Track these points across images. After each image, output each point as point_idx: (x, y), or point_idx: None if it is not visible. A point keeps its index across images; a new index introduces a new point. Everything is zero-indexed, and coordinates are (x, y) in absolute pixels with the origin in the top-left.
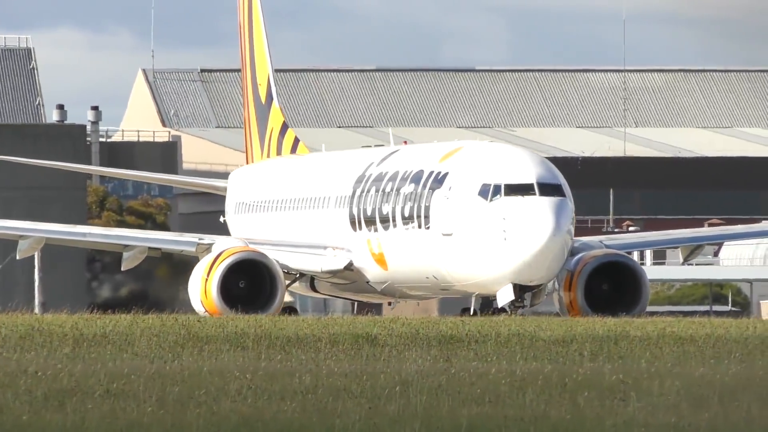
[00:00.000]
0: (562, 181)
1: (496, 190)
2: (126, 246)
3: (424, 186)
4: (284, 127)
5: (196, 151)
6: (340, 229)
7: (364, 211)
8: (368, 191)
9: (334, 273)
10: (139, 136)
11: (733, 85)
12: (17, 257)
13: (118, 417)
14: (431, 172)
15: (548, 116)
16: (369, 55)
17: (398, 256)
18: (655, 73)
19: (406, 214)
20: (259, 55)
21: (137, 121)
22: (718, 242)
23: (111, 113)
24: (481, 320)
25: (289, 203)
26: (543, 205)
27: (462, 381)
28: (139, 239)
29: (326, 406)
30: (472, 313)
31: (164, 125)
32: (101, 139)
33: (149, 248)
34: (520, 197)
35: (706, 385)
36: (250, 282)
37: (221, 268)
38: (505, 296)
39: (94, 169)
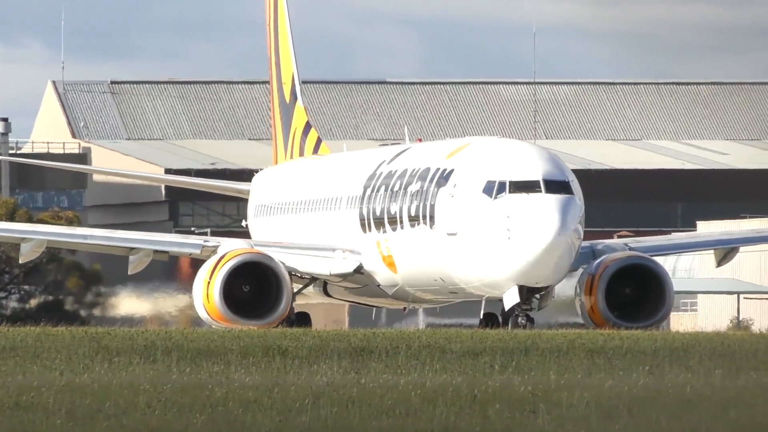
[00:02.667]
0: (571, 178)
1: (501, 187)
2: (132, 249)
3: (430, 184)
4: (307, 127)
5: (106, 162)
6: (351, 231)
7: (373, 211)
8: (378, 191)
9: (343, 276)
10: (49, 148)
11: (642, 98)
12: (20, 261)
13: (27, 430)
14: (437, 170)
15: (459, 129)
16: None
17: (407, 258)
18: (565, 86)
19: (413, 214)
20: (284, 54)
21: (47, 132)
22: (749, 244)
23: (21, 125)
24: (392, 332)
25: (304, 205)
26: (548, 203)
27: (372, 393)
28: (142, 242)
29: (236, 419)
30: (497, 321)
31: (74, 137)
32: (11, 151)
33: (155, 251)
34: (525, 195)
35: (615, 397)
36: (256, 286)
37: (224, 270)
38: (510, 299)
39: (98, 169)
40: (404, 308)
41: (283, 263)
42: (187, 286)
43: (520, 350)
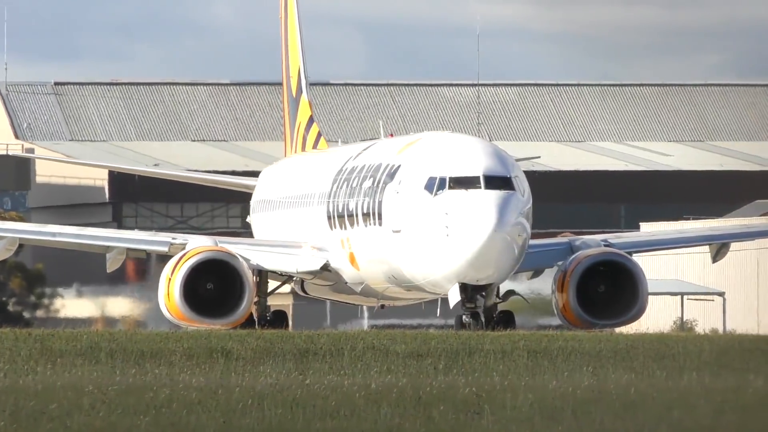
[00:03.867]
0: (515, 173)
1: (441, 183)
2: (108, 247)
3: (379, 180)
4: (310, 122)
5: (49, 164)
6: (319, 228)
7: (337, 207)
8: (341, 187)
9: (312, 274)
10: None
11: (585, 100)
12: None
13: None
14: (387, 166)
15: (402, 130)
16: (224, 69)
17: (364, 255)
18: (509, 87)
19: (365, 211)
20: (292, 48)
21: None
22: (737, 240)
23: None
24: (336, 334)
25: (287, 201)
26: (486, 199)
27: (317, 394)
28: (111, 239)
29: (180, 420)
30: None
31: (17, 138)
32: None
33: (129, 249)
34: (463, 191)
35: (559, 398)
36: (221, 285)
37: (184, 268)
38: (453, 297)
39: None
40: (381, 306)
41: (247, 261)
42: (133, 288)
43: (464, 352)
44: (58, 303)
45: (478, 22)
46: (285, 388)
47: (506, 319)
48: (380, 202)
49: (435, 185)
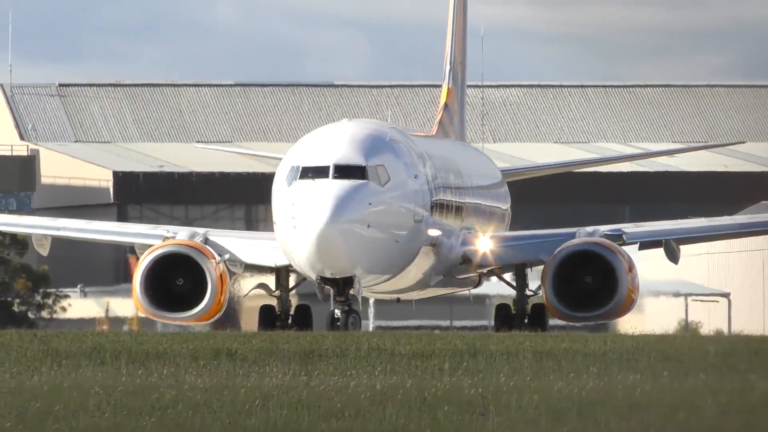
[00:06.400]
0: (377, 162)
1: (295, 173)
2: (109, 241)
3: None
4: (444, 107)
5: (54, 165)
6: None
7: None
8: None
9: (281, 268)
10: None
11: (589, 101)
12: (45, 253)
13: None
14: (284, 156)
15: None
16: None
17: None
18: (513, 89)
19: None
20: (449, 40)
21: None
22: (760, 230)
23: None
24: (341, 335)
25: None
26: (328, 190)
27: (322, 395)
28: (108, 233)
29: (186, 421)
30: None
31: (22, 139)
32: None
33: (127, 243)
34: (310, 181)
35: (564, 399)
36: (194, 279)
37: (144, 262)
38: (318, 289)
39: None
40: (397, 299)
41: (222, 255)
42: None
43: (470, 353)
44: (62, 303)
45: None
46: (290, 388)
47: (539, 313)
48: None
49: (291, 175)
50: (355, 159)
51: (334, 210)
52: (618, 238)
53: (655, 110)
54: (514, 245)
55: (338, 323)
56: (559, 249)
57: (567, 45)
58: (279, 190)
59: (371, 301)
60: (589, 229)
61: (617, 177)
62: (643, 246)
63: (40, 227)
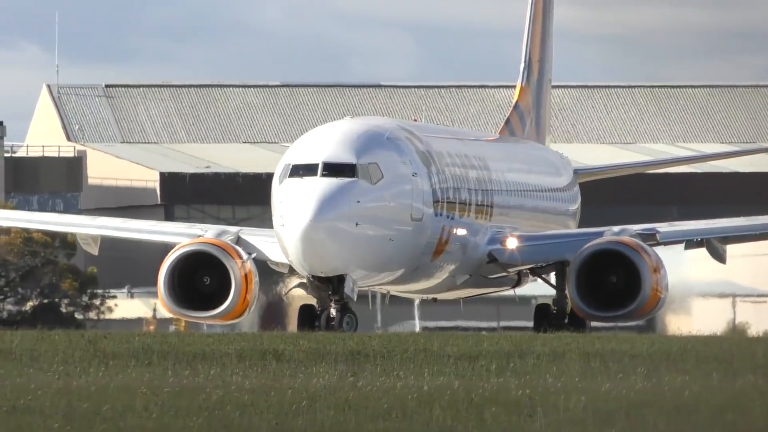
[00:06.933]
0: (369, 160)
1: (287, 171)
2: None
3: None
4: (514, 106)
5: (101, 166)
6: None
7: None
8: None
9: None
10: (44, 151)
11: (636, 101)
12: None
13: None
14: None
15: None
16: (273, 70)
17: None
18: (559, 90)
19: None
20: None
21: (42, 136)
22: None
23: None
24: (388, 336)
25: None
26: (315, 188)
27: (369, 396)
28: (144, 232)
29: (233, 422)
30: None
31: (69, 140)
32: (6, 154)
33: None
34: (299, 179)
35: (612, 401)
36: (220, 278)
37: (168, 262)
38: (311, 288)
39: None
40: (434, 299)
41: (250, 254)
42: None
43: (517, 354)
44: (109, 304)
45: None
46: (337, 389)
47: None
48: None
49: (282, 173)
50: (345, 157)
51: (319, 208)
52: (651, 237)
53: (702, 111)
54: (541, 244)
55: (333, 323)
56: (583, 248)
57: (613, 46)
58: (273, 188)
59: (416, 302)
60: (616, 228)
61: (664, 178)
62: (689, 246)
63: (77, 226)
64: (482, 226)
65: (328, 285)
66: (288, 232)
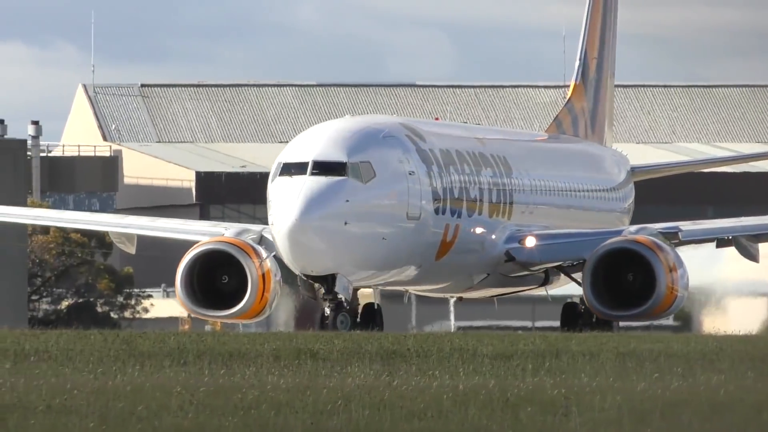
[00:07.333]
0: (361, 159)
1: (278, 169)
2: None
3: None
4: (567, 102)
5: (137, 165)
6: None
7: None
8: None
9: None
10: (79, 151)
11: (672, 101)
12: (134, 251)
13: None
14: None
15: None
16: (309, 70)
17: None
18: None
19: None
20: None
21: (78, 135)
22: None
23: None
24: (423, 335)
25: None
26: (301, 187)
27: (404, 395)
28: (170, 230)
29: (268, 422)
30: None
31: (105, 140)
32: (42, 154)
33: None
34: (288, 178)
35: (647, 401)
36: (240, 278)
37: (185, 261)
38: (302, 287)
39: None
40: (459, 298)
41: (269, 252)
42: None
43: (552, 353)
44: (145, 303)
45: (564, 25)
46: (372, 389)
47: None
48: None
49: (275, 172)
50: (336, 155)
51: (305, 207)
52: (674, 236)
53: (738, 110)
54: (559, 243)
55: (327, 321)
56: (598, 248)
57: (649, 46)
58: (268, 187)
59: (451, 301)
60: (634, 227)
61: (700, 177)
62: (720, 244)
63: (104, 224)
64: (499, 225)
65: (323, 284)
66: (277, 231)
